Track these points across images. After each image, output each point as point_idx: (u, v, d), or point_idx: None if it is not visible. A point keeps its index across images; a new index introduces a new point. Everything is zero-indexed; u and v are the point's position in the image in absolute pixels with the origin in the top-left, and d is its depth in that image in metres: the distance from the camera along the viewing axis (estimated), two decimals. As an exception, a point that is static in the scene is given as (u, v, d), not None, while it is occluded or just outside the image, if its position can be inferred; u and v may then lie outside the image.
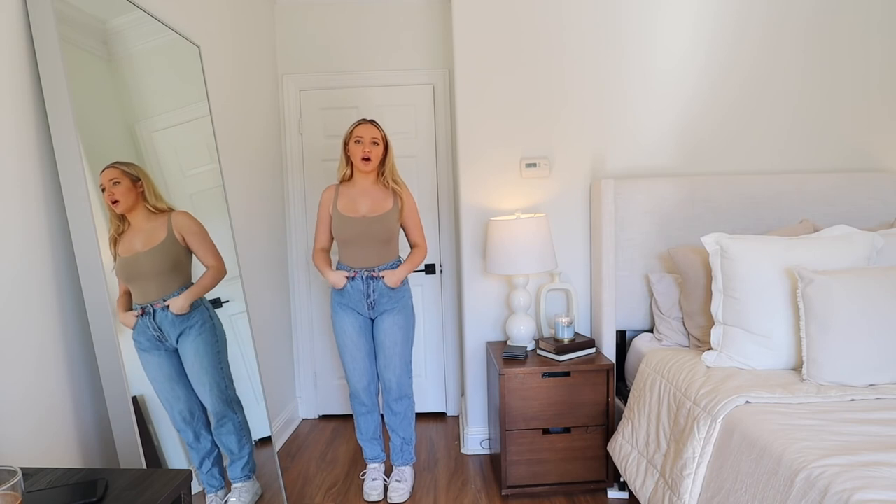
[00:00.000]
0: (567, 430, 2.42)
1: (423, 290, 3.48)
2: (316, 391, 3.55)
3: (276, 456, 2.33)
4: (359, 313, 2.45)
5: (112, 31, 1.71)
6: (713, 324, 2.14)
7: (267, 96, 3.20)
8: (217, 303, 2.07)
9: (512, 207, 2.79)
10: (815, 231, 2.33)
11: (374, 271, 2.41)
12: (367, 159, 2.36)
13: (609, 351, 2.59)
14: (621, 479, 2.44)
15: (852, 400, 1.72)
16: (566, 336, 2.52)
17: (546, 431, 2.42)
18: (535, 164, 2.76)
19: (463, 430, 3.05)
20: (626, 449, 2.22)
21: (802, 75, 2.76)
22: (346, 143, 2.42)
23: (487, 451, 2.94)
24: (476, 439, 2.96)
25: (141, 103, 1.83)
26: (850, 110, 2.77)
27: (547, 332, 2.80)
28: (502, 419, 2.42)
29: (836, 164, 2.79)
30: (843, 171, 2.77)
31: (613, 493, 2.45)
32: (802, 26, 2.73)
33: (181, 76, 2.11)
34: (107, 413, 1.48)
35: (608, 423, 2.43)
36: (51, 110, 1.42)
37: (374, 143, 2.39)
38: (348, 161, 2.44)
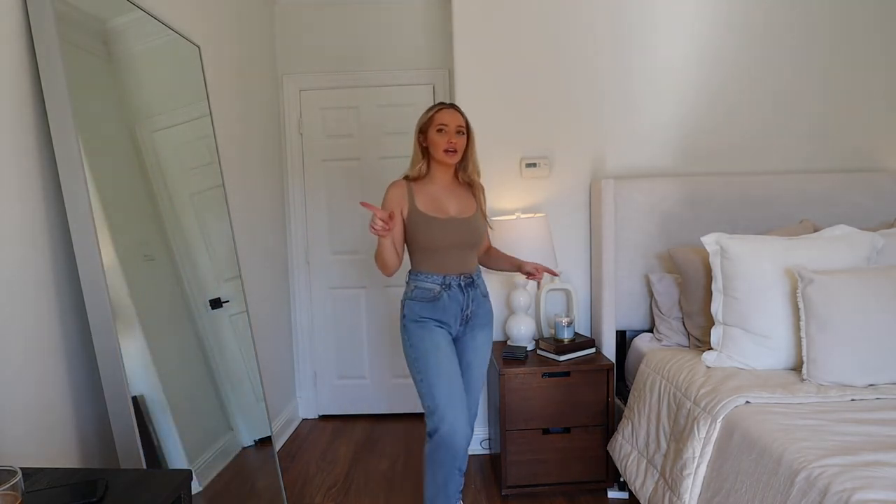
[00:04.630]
0: (567, 429, 2.42)
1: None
2: (316, 391, 3.55)
3: (276, 456, 2.33)
4: (448, 331, 2.01)
5: (112, 31, 1.71)
6: (713, 324, 2.14)
7: (267, 96, 3.20)
8: (217, 303, 2.08)
9: (512, 207, 2.79)
10: (815, 231, 2.33)
11: (472, 278, 2.05)
12: (453, 151, 1.98)
13: (609, 351, 2.59)
14: (621, 479, 2.44)
15: (852, 400, 1.72)
16: (566, 336, 2.52)
17: (546, 431, 2.42)
18: (535, 164, 2.76)
19: (463, 430, 3.05)
20: (626, 449, 2.22)
21: (803, 75, 2.76)
22: (422, 132, 2.03)
23: (487, 451, 2.94)
24: (476, 439, 2.96)
25: (141, 103, 1.83)
26: (851, 110, 2.77)
27: (547, 332, 2.80)
28: (502, 419, 2.42)
29: (836, 164, 2.79)
30: (843, 171, 2.77)
31: (613, 493, 2.45)
32: (803, 27, 2.73)
33: (181, 76, 2.11)
34: (107, 413, 1.48)
35: (608, 423, 2.43)
36: (51, 110, 1.42)
37: (460, 132, 2.00)
38: (424, 153, 2.04)
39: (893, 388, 1.76)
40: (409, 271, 2.06)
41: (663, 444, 2.00)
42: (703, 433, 1.75)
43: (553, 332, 2.59)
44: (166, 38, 1.99)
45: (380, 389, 3.53)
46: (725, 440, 1.67)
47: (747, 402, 1.73)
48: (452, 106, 2.05)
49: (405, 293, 2.04)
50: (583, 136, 2.78)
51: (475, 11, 2.74)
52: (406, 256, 2.07)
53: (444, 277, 1.99)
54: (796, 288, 1.93)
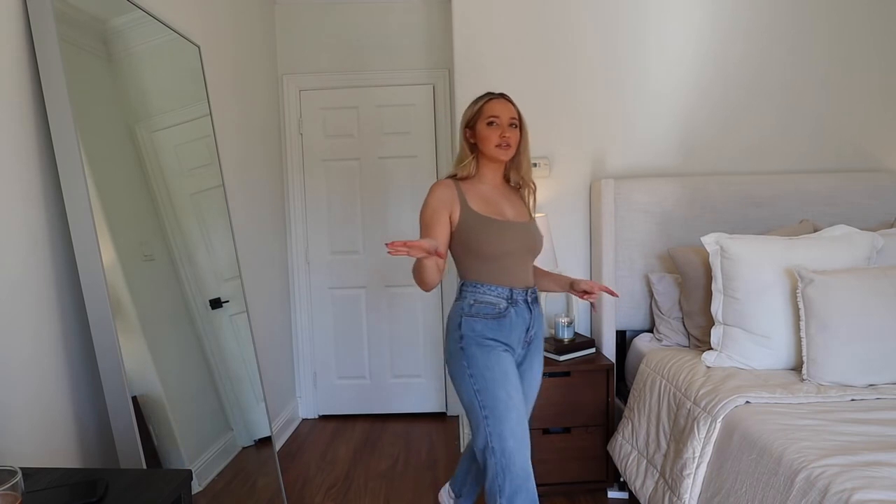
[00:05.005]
0: (567, 430, 2.42)
1: (422, 290, 3.47)
2: (316, 391, 3.55)
3: (276, 456, 2.33)
4: (513, 355, 1.73)
5: (112, 30, 1.71)
6: (713, 324, 2.14)
7: (267, 96, 3.20)
8: (217, 303, 2.08)
9: (512, 207, 2.78)
10: (815, 231, 2.33)
11: (535, 293, 1.80)
12: (507, 146, 1.72)
13: (609, 351, 2.59)
14: (621, 479, 2.44)
15: (852, 400, 1.72)
16: (566, 336, 2.52)
17: (546, 431, 2.41)
18: (535, 164, 2.76)
19: (463, 430, 3.05)
20: (626, 449, 2.22)
21: (803, 75, 2.75)
22: (469, 126, 1.77)
23: (487, 451, 2.93)
24: (476, 439, 2.95)
25: (141, 103, 1.83)
26: (851, 110, 2.77)
27: (547, 332, 2.80)
28: (502, 419, 2.41)
29: (836, 164, 2.79)
30: (843, 171, 2.77)
31: (613, 493, 2.45)
32: (803, 27, 2.72)
33: (181, 76, 2.11)
34: (107, 413, 1.48)
35: (608, 423, 2.42)
36: (51, 110, 1.42)
37: (513, 124, 1.74)
38: (473, 149, 1.78)
39: (893, 388, 1.77)
40: (464, 282, 1.76)
41: (663, 444, 2.00)
42: (703, 433, 1.75)
43: (553, 332, 2.59)
44: (166, 38, 1.99)
45: (380, 389, 3.53)
46: (725, 440, 1.67)
47: (747, 402, 1.73)
48: (503, 96, 1.79)
49: (460, 307, 1.72)
50: (583, 135, 2.78)
51: (475, 11, 2.73)
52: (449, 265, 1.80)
53: (511, 291, 1.71)
54: (796, 288, 1.93)
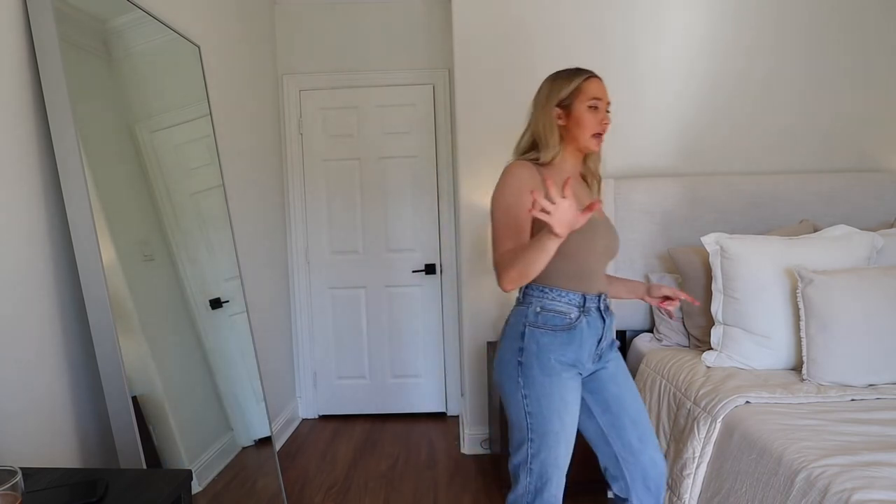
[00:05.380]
0: (567, 430, 2.42)
1: (422, 290, 3.48)
2: (316, 391, 3.55)
3: (276, 456, 2.33)
4: (579, 374, 1.51)
5: (112, 30, 1.71)
6: (713, 324, 2.14)
7: (267, 96, 3.20)
8: (217, 303, 2.08)
9: (512, 207, 2.78)
10: (815, 231, 2.33)
11: (607, 298, 1.58)
12: (602, 136, 1.57)
13: (609, 351, 2.59)
14: (621, 479, 2.44)
15: (852, 400, 1.72)
16: (566, 336, 2.52)
17: (546, 431, 2.41)
18: (535, 164, 2.76)
19: (463, 430, 3.05)
20: (626, 449, 2.22)
21: (803, 75, 2.75)
22: (564, 105, 1.54)
23: (487, 451, 2.94)
24: (476, 439, 2.96)
25: (141, 103, 1.83)
26: (851, 110, 2.77)
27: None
28: (502, 419, 2.41)
29: (836, 164, 2.79)
30: (843, 171, 2.77)
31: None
32: (803, 27, 2.72)
33: (181, 76, 2.11)
34: (107, 413, 1.48)
35: (608, 423, 2.42)
36: (51, 110, 1.42)
37: (608, 111, 1.58)
38: (561, 135, 1.55)
39: (893, 388, 1.76)
40: (529, 284, 1.52)
41: (663, 444, 2.00)
42: (703, 433, 1.75)
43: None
44: (166, 38, 1.99)
45: (380, 389, 3.53)
46: (725, 440, 1.67)
47: (747, 402, 1.73)
48: (596, 75, 1.57)
49: (523, 314, 1.50)
50: (583, 136, 2.77)
51: (475, 11, 2.73)
52: None
53: (584, 297, 1.48)
54: (796, 288, 1.93)
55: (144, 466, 1.47)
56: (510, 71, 2.75)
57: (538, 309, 1.48)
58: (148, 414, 1.56)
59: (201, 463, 1.77)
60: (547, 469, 1.47)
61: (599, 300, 1.52)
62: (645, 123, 2.76)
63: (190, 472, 1.17)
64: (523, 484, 1.51)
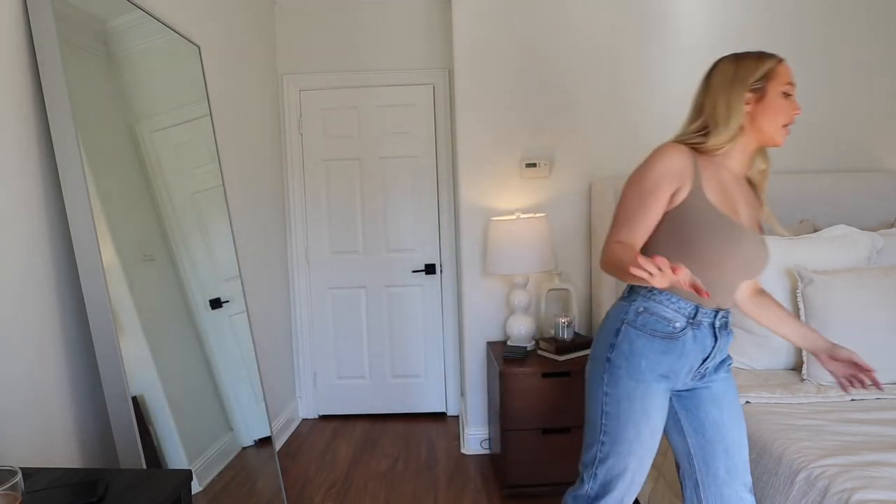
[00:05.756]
0: (567, 430, 2.42)
1: (423, 290, 3.48)
2: (316, 391, 3.55)
3: (276, 456, 2.33)
4: (670, 386, 1.38)
5: (112, 31, 1.71)
6: (713, 324, 2.14)
7: (267, 96, 3.20)
8: (217, 303, 2.08)
9: (512, 207, 2.79)
10: (815, 231, 2.33)
11: (727, 316, 1.39)
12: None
13: (609, 351, 2.59)
14: (621, 479, 2.44)
15: (852, 400, 1.73)
16: (566, 336, 2.52)
17: (546, 431, 2.42)
18: (535, 164, 2.76)
19: (463, 430, 3.05)
20: (626, 449, 2.22)
21: (802, 75, 2.75)
22: (755, 89, 1.32)
23: (487, 451, 2.94)
24: (476, 439, 2.96)
25: (141, 103, 1.83)
26: (851, 110, 2.77)
27: (547, 332, 2.80)
28: (502, 419, 2.42)
29: (836, 164, 2.79)
30: (843, 171, 2.77)
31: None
32: (803, 27, 2.72)
33: (181, 76, 2.11)
34: (107, 413, 1.48)
35: (608, 423, 2.42)
36: (51, 110, 1.42)
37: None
38: (742, 124, 1.34)
39: (893, 388, 1.77)
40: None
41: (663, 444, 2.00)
42: (703, 433, 1.75)
43: (553, 331, 2.59)
44: (166, 38, 1.99)
45: (380, 389, 3.53)
46: (725, 440, 1.67)
47: (747, 401, 1.73)
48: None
49: (623, 310, 1.38)
50: (583, 136, 2.78)
51: (475, 11, 2.73)
52: None
53: (697, 309, 1.34)
54: (796, 288, 1.93)
55: (144, 466, 1.47)
56: (510, 71, 2.75)
57: (641, 308, 1.35)
58: (148, 414, 1.56)
59: (201, 463, 1.77)
60: (612, 479, 1.38)
61: (716, 316, 1.36)
62: (645, 124, 2.76)
63: (190, 472, 1.17)
64: (586, 486, 1.43)
